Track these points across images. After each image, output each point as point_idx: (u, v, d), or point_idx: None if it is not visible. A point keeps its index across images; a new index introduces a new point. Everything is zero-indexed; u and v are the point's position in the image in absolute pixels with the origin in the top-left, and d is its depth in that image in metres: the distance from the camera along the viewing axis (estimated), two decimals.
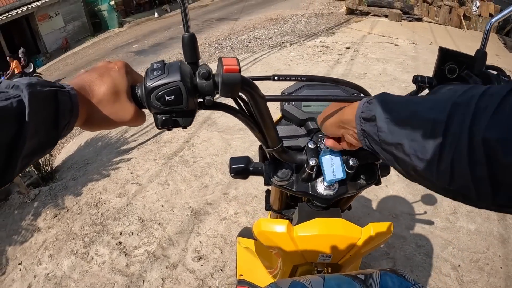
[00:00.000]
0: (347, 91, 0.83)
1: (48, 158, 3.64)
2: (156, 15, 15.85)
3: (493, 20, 0.65)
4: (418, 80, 0.68)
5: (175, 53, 8.56)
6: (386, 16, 9.57)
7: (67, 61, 12.07)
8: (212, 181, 2.89)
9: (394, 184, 2.71)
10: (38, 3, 12.96)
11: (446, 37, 7.63)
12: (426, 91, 0.72)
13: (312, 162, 0.72)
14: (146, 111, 0.57)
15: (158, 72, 0.52)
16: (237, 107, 0.65)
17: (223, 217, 2.49)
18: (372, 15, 10.00)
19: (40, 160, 3.54)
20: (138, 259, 2.27)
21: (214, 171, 3.02)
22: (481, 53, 0.63)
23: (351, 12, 10.75)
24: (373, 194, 2.60)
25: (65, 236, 2.60)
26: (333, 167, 0.72)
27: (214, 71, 0.56)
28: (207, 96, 0.55)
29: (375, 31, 8.08)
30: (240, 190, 2.71)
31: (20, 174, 3.30)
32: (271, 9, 13.50)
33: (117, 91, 0.52)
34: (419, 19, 9.63)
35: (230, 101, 0.65)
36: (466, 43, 7.13)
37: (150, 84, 0.52)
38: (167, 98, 0.52)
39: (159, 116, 0.54)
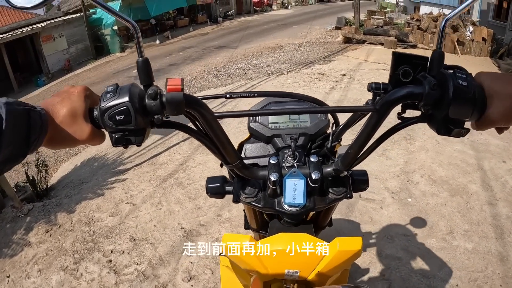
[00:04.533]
0: (310, 105, 0.84)
1: (44, 176, 3.66)
2: (157, 41, 16.22)
3: (448, 17, 0.62)
4: (372, 87, 0.65)
5: None
6: (382, 44, 9.87)
7: (68, 82, 12.22)
8: (205, 203, 2.92)
9: (389, 205, 2.76)
10: (43, 24, 13.28)
11: None
12: None
13: (272, 177, 0.71)
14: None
15: (110, 94, 0.57)
16: (192, 126, 0.67)
17: (215, 238, 2.51)
18: (368, 43, 10.32)
19: (35, 177, 3.56)
20: (128, 278, 2.26)
21: None
22: (438, 53, 0.61)
23: (347, 40, 11.09)
24: (368, 216, 2.64)
25: (56, 252, 2.59)
26: (294, 192, 0.72)
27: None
28: (156, 115, 0.58)
29: (370, 58, 8.33)
30: (234, 212, 2.74)
31: (15, 188, 3.31)
32: (269, 38, 13.89)
33: (74, 114, 0.58)
34: (414, 46, 9.96)
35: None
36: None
37: (103, 105, 0.57)
38: (117, 117, 0.56)
39: (113, 135, 0.59)
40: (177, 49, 13.65)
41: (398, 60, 0.63)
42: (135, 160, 3.93)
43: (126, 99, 0.56)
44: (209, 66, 9.66)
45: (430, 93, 0.57)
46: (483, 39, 9.63)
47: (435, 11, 14.88)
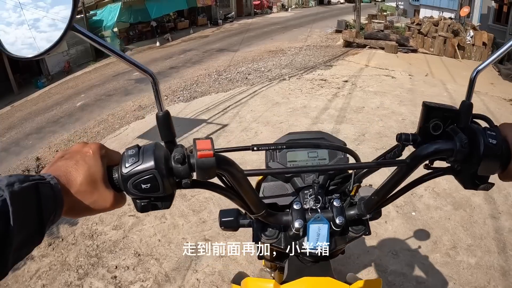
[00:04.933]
0: (331, 146, 0.84)
1: None
2: (157, 43, 16.21)
3: (480, 67, 0.61)
4: (402, 139, 0.65)
5: (175, 83, 8.71)
6: (383, 48, 9.90)
7: (68, 84, 12.19)
8: (210, 217, 2.92)
9: (393, 220, 2.77)
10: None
11: (441, 67, 7.88)
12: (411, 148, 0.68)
13: (297, 224, 0.71)
14: None
15: (133, 159, 0.52)
16: (219, 182, 0.65)
17: (221, 255, 2.50)
18: (369, 47, 10.35)
19: None
20: None
21: (212, 206, 3.05)
22: (466, 105, 0.61)
23: (348, 44, 11.12)
24: (372, 230, 2.61)
25: (59, 267, 2.58)
26: (318, 236, 0.73)
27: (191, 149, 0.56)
28: (183, 179, 0.55)
29: (372, 63, 8.34)
30: None
31: None
32: (270, 41, 13.89)
33: (94, 180, 0.51)
34: (414, 51, 10.00)
35: None
36: (460, 72, 7.37)
37: (126, 172, 0.52)
38: (143, 186, 0.52)
39: (138, 201, 0.55)
40: (177, 52, 13.64)
41: (429, 112, 0.63)
42: None
43: (152, 164, 0.51)
44: (209, 69, 9.65)
45: (461, 150, 0.58)
46: (484, 44, 9.67)
47: (435, 14, 14.92)
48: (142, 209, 0.56)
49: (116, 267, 2.50)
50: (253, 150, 0.68)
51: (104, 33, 15.33)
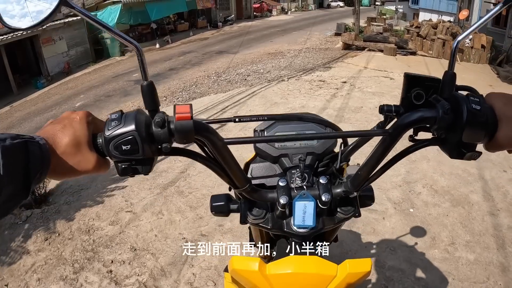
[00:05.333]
0: (318, 128, 0.83)
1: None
2: (157, 45, 16.26)
3: (460, 38, 0.63)
4: (384, 110, 0.64)
5: (174, 84, 8.73)
6: (382, 51, 9.94)
7: (67, 85, 12.21)
8: (207, 213, 2.90)
9: (391, 216, 2.76)
10: (43, 26, 13.25)
11: (440, 69, 7.88)
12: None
13: (282, 200, 0.70)
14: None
15: (115, 122, 0.54)
16: (201, 152, 0.65)
17: (221, 255, 2.48)
18: (368, 50, 10.39)
19: None
20: None
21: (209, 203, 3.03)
22: (449, 75, 0.61)
23: (347, 47, 11.17)
24: (370, 227, 2.63)
25: (55, 261, 2.56)
26: (304, 214, 0.72)
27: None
28: (163, 143, 0.56)
29: (370, 65, 8.38)
30: (236, 222, 2.72)
31: None
32: (269, 44, 13.95)
33: (78, 143, 0.54)
34: (413, 53, 10.03)
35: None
36: (460, 75, 7.32)
37: (108, 134, 0.54)
38: (123, 147, 0.53)
39: (119, 164, 0.56)
40: (177, 54, 13.67)
41: (410, 82, 0.62)
42: None
43: (133, 127, 0.53)
44: (209, 71, 9.67)
45: (444, 118, 0.57)
46: (482, 46, 9.69)
47: (434, 17, 14.99)
48: (122, 171, 0.57)
49: (112, 261, 2.48)
50: (235, 121, 0.70)
51: (104, 34, 15.38)
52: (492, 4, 11.83)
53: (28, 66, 13.95)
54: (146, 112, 0.59)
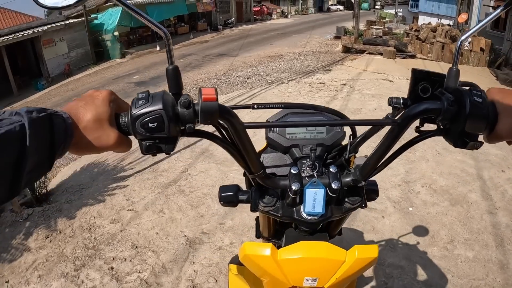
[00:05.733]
0: (329, 117, 0.87)
1: (43, 180, 3.64)
2: (157, 48, 16.29)
3: (463, 37, 0.67)
4: (393, 102, 0.70)
5: None
6: (381, 54, 9.98)
7: (68, 87, 12.24)
8: (208, 211, 2.92)
9: (391, 215, 2.78)
10: (44, 28, 13.33)
11: (439, 72, 7.96)
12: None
13: (294, 187, 0.72)
14: (132, 138, 0.61)
15: (143, 101, 0.56)
16: (219, 135, 0.68)
17: (218, 247, 2.50)
18: (368, 53, 10.44)
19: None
20: (130, 286, 2.25)
21: (210, 202, 3.05)
22: (454, 71, 0.66)
23: (347, 50, 11.21)
24: (370, 225, 2.65)
25: (56, 258, 2.58)
26: (314, 201, 0.74)
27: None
28: (188, 124, 0.58)
29: (370, 68, 8.41)
30: (237, 220, 2.74)
31: None
32: (269, 47, 13.99)
33: (99, 119, 0.56)
34: (412, 56, 10.09)
35: (213, 130, 0.70)
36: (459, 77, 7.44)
37: (135, 112, 0.56)
38: (150, 125, 0.55)
39: (143, 142, 0.58)
40: (177, 56, 13.70)
41: (417, 76, 0.68)
42: (136, 167, 3.93)
43: (160, 106, 0.55)
44: (209, 73, 9.71)
45: (448, 109, 0.61)
46: (481, 49, 9.74)
47: (433, 21, 15.06)
48: (147, 148, 0.59)
49: (113, 258, 2.49)
50: (253, 108, 0.76)
51: (104, 36, 15.44)
52: (491, 8, 11.91)
53: (28, 68, 14.01)
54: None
